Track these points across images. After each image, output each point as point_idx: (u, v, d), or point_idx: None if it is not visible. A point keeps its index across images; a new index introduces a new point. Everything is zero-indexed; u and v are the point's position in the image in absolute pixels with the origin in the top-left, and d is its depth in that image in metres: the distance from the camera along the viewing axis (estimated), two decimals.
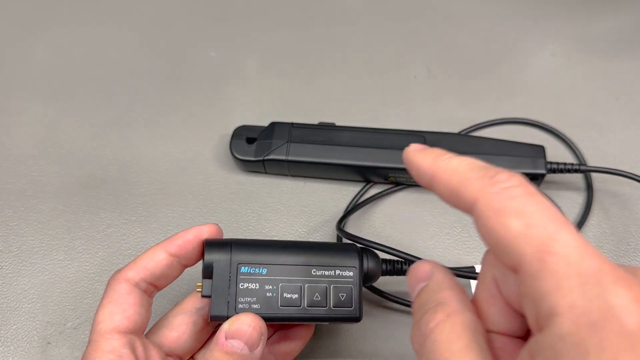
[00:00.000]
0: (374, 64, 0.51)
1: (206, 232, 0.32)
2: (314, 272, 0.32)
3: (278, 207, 0.43)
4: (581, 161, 0.44)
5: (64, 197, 0.43)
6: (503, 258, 0.20)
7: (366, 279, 0.33)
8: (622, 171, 0.41)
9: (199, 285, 0.31)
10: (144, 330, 0.31)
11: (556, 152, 0.45)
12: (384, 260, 0.35)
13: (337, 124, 0.44)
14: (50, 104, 0.49)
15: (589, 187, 0.43)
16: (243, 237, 0.34)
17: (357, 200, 0.43)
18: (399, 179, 0.43)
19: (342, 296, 0.32)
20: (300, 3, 0.56)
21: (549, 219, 0.19)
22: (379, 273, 0.34)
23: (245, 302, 0.30)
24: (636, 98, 0.48)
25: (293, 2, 0.56)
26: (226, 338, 0.29)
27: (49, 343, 0.37)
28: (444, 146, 0.40)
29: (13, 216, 0.42)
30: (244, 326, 0.29)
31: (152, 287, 0.32)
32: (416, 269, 0.25)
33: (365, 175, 0.43)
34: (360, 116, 0.47)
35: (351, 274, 0.32)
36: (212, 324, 0.33)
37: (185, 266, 0.32)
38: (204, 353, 0.33)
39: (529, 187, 0.20)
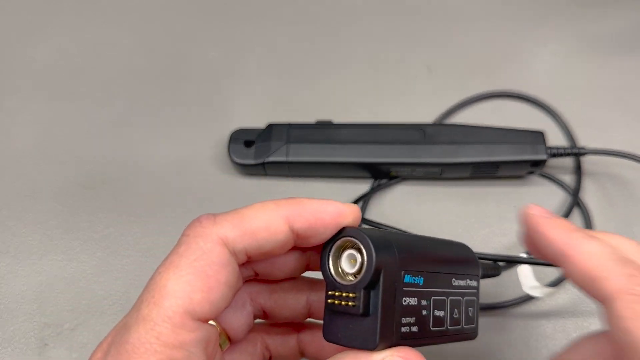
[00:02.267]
0: (373, 63, 0.51)
1: (349, 216, 0.23)
2: (454, 281, 0.25)
3: None
4: (574, 143, 0.45)
5: (62, 198, 0.43)
6: (632, 357, 0.20)
7: None
8: (625, 153, 0.41)
9: (340, 294, 0.22)
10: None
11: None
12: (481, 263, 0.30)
13: (335, 122, 0.44)
14: (48, 104, 0.48)
15: (577, 169, 0.43)
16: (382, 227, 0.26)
17: (369, 197, 0.43)
18: (401, 174, 0.43)
19: (470, 311, 0.26)
20: (300, 1, 0.56)
21: None
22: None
23: (407, 325, 0.23)
24: (638, 97, 0.48)
25: (292, 0, 0.56)
26: None
27: (46, 344, 0.37)
28: (444, 137, 0.42)
29: (10, 216, 0.42)
30: None
31: (245, 260, 0.23)
32: None
33: (367, 171, 0.43)
34: (359, 115, 0.47)
35: (475, 284, 0.27)
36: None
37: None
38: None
39: None
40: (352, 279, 0.22)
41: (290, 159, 0.42)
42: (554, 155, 0.41)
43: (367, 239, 0.22)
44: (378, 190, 0.43)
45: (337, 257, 0.23)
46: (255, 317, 0.27)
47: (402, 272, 0.22)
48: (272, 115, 0.46)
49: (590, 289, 0.22)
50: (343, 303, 0.22)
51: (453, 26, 0.53)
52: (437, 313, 0.24)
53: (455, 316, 0.25)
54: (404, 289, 0.22)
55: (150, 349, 0.19)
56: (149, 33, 0.53)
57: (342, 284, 0.22)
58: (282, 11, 0.55)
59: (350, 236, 0.22)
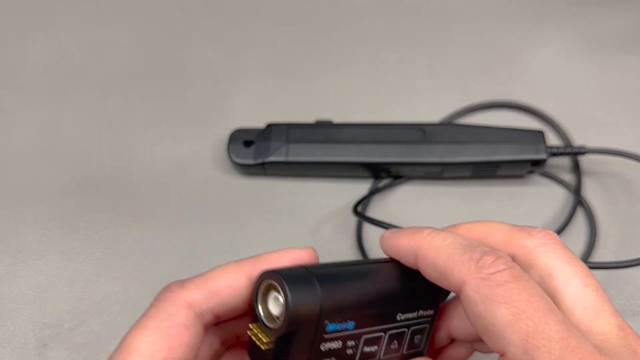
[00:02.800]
0: (373, 62, 0.51)
1: (306, 259, 0.25)
2: (399, 317, 0.25)
3: (278, 208, 0.43)
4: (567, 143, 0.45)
5: (61, 198, 0.43)
6: (489, 342, 0.21)
7: None
8: (625, 152, 0.41)
9: (258, 333, 0.23)
10: None
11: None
12: None
13: (335, 122, 0.44)
14: (46, 104, 0.48)
15: (576, 168, 0.44)
16: (317, 263, 0.25)
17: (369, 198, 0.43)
18: (401, 173, 0.43)
19: (417, 338, 0.26)
20: (300, 1, 0.56)
21: (534, 308, 0.20)
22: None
23: None
24: (638, 97, 0.48)
25: (292, 0, 0.56)
26: None
27: (45, 345, 0.37)
28: (444, 137, 0.42)
29: (9, 217, 0.42)
30: None
31: (214, 320, 0.24)
32: None
33: (367, 171, 0.43)
34: (359, 115, 0.47)
35: (430, 312, 0.26)
36: None
37: None
38: None
39: (515, 270, 0.21)
40: (275, 321, 0.22)
41: (290, 158, 0.42)
42: (554, 155, 0.41)
43: (289, 290, 0.21)
44: (378, 190, 0.43)
45: (265, 296, 0.23)
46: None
47: (325, 322, 0.22)
48: (272, 115, 0.46)
49: (443, 283, 0.22)
50: (257, 342, 0.23)
51: (453, 26, 0.53)
52: (368, 349, 0.24)
53: (392, 347, 0.25)
54: (324, 336, 0.22)
55: None
56: (149, 33, 0.53)
57: (263, 322, 0.23)
58: (282, 11, 0.55)
59: (271, 280, 0.22)
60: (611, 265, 0.35)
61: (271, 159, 0.42)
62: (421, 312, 0.26)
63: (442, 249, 0.22)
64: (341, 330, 0.23)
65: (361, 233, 0.41)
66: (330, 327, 0.22)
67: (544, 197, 0.43)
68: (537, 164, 0.41)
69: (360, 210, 0.41)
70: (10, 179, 0.44)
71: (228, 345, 0.27)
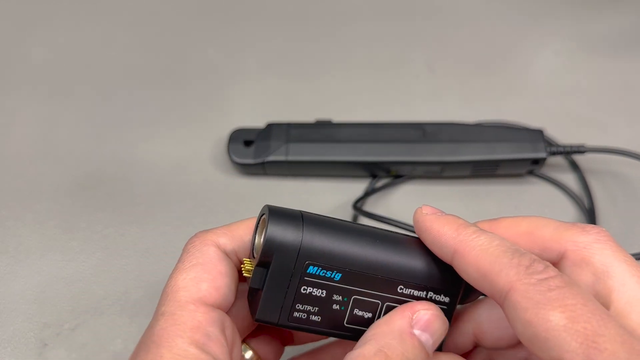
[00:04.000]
0: (374, 63, 0.51)
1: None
2: (400, 289, 0.24)
3: None
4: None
5: (61, 198, 0.43)
6: (540, 352, 0.19)
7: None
8: (624, 150, 0.41)
9: (247, 264, 0.24)
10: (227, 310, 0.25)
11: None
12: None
13: (335, 122, 0.44)
14: (46, 103, 0.48)
15: (576, 169, 0.44)
16: (314, 213, 0.25)
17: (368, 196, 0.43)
18: (401, 172, 0.43)
19: None
20: (299, 1, 0.56)
21: (591, 312, 0.18)
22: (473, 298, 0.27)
23: (303, 311, 0.23)
24: (638, 96, 0.48)
25: (292, 0, 0.56)
26: (414, 328, 0.23)
27: (45, 345, 0.37)
28: (444, 136, 0.42)
29: (9, 216, 0.42)
30: (438, 321, 0.23)
31: (239, 265, 0.25)
32: None
33: (367, 170, 0.43)
34: (359, 115, 0.47)
35: (447, 300, 0.25)
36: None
37: None
38: None
39: (565, 277, 0.20)
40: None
41: (290, 158, 0.42)
42: (554, 154, 0.41)
43: (269, 220, 0.23)
44: (378, 190, 0.43)
45: (262, 230, 0.24)
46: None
47: (306, 262, 0.23)
48: (272, 114, 0.46)
49: (484, 286, 0.21)
50: (244, 273, 0.24)
51: (453, 26, 0.53)
52: (360, 313, 0.24)
53: None
54: (305, 278, 0.23)
55: (174, 334, 0.21)
56: (149, 32, 0.53)
57: (252, 253, 0.25)
58: (282, 11, 0.55)
59: (264, 213, 0.24)
60: None
61: (271, 158, 0.42)
62: (432, 295, 0.24)
63: (488, 250, 0.21)
64: (324, 278, 0.23)
65: None
66: (312, 269, 0.23)
67: (543, 195, 0.43)
68: (536, 162, 0.41)
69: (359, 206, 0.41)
70: (10, 179, 0.44)
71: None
